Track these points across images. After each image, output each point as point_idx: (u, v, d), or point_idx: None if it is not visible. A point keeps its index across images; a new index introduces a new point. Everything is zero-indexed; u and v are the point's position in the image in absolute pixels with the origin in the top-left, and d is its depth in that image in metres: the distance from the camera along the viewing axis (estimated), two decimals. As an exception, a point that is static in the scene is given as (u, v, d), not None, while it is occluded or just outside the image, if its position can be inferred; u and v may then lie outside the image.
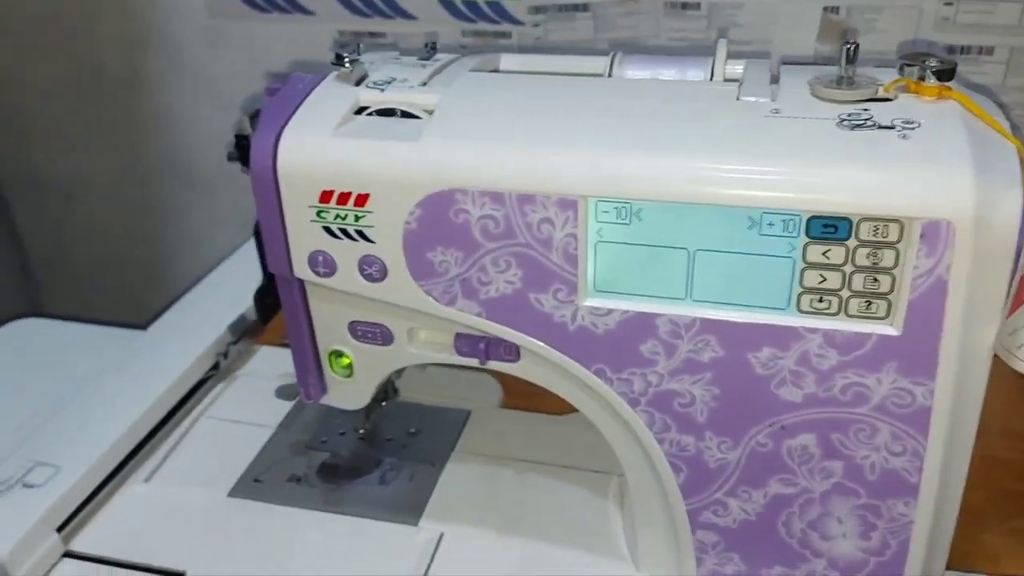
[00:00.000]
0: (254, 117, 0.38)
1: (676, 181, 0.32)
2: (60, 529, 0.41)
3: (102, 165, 0.83)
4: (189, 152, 0.82)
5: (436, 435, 0.49)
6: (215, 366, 0.52)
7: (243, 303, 0.54)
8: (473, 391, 0.52)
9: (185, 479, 0.46)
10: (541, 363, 0.37)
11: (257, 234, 0.42)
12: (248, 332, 0.55)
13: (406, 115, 0.36)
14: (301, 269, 0.37)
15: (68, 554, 0.42)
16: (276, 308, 0.45)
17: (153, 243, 0.88)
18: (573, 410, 0.50)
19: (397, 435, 0.49)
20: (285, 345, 0.57)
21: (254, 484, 0.45)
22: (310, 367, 0.40)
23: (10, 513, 0.40)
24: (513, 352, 0.37)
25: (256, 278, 0.57)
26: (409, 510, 0.44)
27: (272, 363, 0.54)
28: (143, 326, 0.55)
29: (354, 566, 0.41)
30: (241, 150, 0.40)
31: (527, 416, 0.51)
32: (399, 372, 0.45)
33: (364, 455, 0.48)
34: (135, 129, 0.80)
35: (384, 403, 0.48)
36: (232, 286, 0.57)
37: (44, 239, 0.90)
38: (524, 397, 0.56)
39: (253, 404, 0.51)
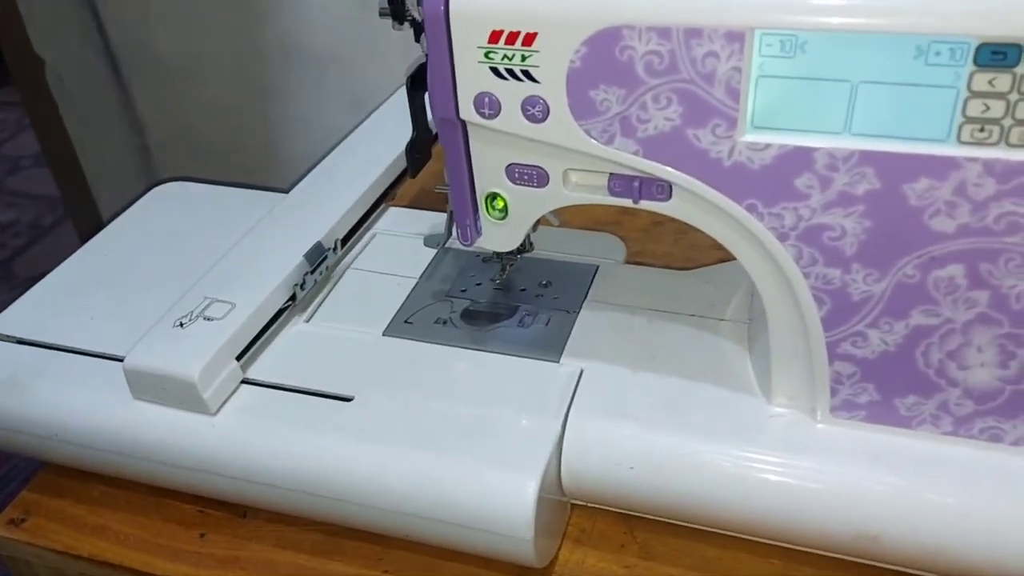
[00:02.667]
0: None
1: (845, 9, 0.32)
2: (239, 358, 0.46)
3: (216, 45, 0.86)
4: (301, 33, 0.84)
5: (567, 286, 0.52)
6: (357, 224, 0.55)
7: (381, 166, 0.57)
8: (599, 249, 0.55)
9: (342, 320, 0.50)
10: (693, 200, 0.39)
11: (411, 89, 0.44)
12: (386, 194, 0.58)
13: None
14: (467, 111, 0.39)
15: (245, 381, 0.46)
16: (424, 161, 0.48)
17: (265, 123, 0.91)
18: (694, 267, 0.53)
19: (530, 286, 0.52)
20: (409, 206, 0.61)
21: (405, 325, 0.49)
22: (468, 210, 0.43)
23: (196, 341, 0.45)
24: (665, 191, 0.39)
25: (385, 145, 0.60)
26: (550, 349, 0.47)
27: (401, 222, 0.58)
28: (285, 190, 0.58)
29: (504, 395, 0.45)
30: (394, 5, 0.42)
31: (651, 271, 0.53)
32: (535, 226, 0.48)
33: (501, 303, 0.51)
34: (250, 8, 0.82)
35: (519, 255, 0.51)
36: (368, 150, 0.60)
37: (162, 119, 0.94)
38: (646, 257, 0.58)
39: (391, 258, 0.55)
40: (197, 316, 0.46)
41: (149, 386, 0.45)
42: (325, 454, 0.43)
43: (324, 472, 0.43)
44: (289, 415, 0.45)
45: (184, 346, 0.45)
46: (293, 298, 0.49)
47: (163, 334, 0.45)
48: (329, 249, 0.52)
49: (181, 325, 0.46)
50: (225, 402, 0.45)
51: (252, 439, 0.44)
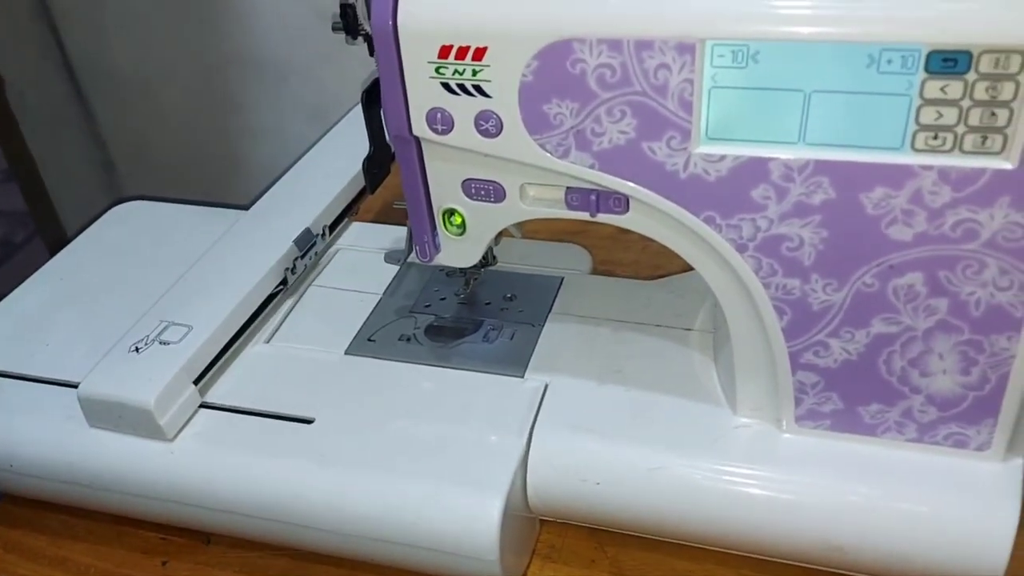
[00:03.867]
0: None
1: (797, 19, 0.32)
2: (196, 382, 0.45)
3: (175, 58, 0.85)
4: (259, 44, 0.83)
5: (532, 299, 0.51)
6: (317, 240, 0.54)
7: (342, 180, 0.57)
8: (564, 259, 0.54)
9: (303, 340, 0.49)
10: (650, 213, 0.38)
11: (366, 104, 0.43)
12: (349, 209, 0.57)
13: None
14: (420, 127, 0.38)
15: (204, 405, 0.45)
16: (383, 176, 0.47)
17: (226, 134, 0.90)
18: (662, 275, 0.53)
19: (494, 299, 0.51)
20: (374, 221, 0.60)
21: (368, 343, 0.48)
22: (426, 227, 0.42)
23: (151, 366, 0.44)
24: (623, 204, 0.39)
25: (346, 159, 0.59)
26: (514, 363, 0.46)
27: (365, 237, 0.57)
28: (246, 206, 0.57)
29: (469, 412, 0.44)
30: (346, 19, 0.41)
31: (617, 281, 0.52)
32: (498, 239, 0.47)
33: (466, 317, 0.50)
34: (207, 20, 0.81)
35: (483, 269, 0.50)
36: (329, 165, 0.59)
37: (123, 133, 0.92)
38: (613, 266, 0.58)
39: (354, 274, 0.54)
40: (153, 340, 0.45)
41: (104, 413, 0.44)
42: (285, 479, 0.42)
43: (285, 498, 0.42)
44: (248, 439, 0.44)
45: (139, 372, 0.44)
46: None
47: (118, 360, 0.44)
48: (317, 235, 0.53)
49: (136, 350, 0.45)
50: (183, 428, 0.44)
51: (211, 465, 0.43)
